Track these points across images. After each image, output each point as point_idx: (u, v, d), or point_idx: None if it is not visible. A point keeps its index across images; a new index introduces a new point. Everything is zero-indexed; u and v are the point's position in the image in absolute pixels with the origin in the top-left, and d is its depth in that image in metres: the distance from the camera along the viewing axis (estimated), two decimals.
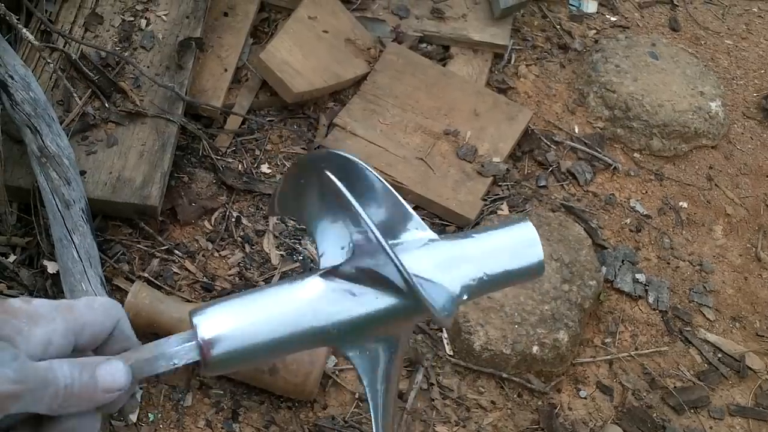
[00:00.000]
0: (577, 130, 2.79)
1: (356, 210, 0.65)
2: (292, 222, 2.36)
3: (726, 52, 3.18)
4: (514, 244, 0.72)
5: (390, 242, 0.66)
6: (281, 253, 2.30)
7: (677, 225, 2.66)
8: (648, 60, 2.90)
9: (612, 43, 2.97)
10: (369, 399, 0.70)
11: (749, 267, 2.63)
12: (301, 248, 2.31)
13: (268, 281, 2.24)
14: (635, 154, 2.78)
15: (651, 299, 2.47)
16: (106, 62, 2.35)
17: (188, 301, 2.14)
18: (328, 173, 0.67)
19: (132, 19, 2.46)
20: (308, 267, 2.29)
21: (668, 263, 2.57)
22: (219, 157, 2.42)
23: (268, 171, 2.46)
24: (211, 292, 2.19)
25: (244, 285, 2.21)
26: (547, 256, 2.34)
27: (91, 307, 0.62)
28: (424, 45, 2.84)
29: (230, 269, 2.25)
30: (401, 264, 0.63)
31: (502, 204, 2.52)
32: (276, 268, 2.27)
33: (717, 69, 3.10)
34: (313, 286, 0.68)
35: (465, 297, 0.70)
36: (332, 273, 0.69)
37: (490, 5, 2.92)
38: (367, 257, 0.67)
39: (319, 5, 2.73)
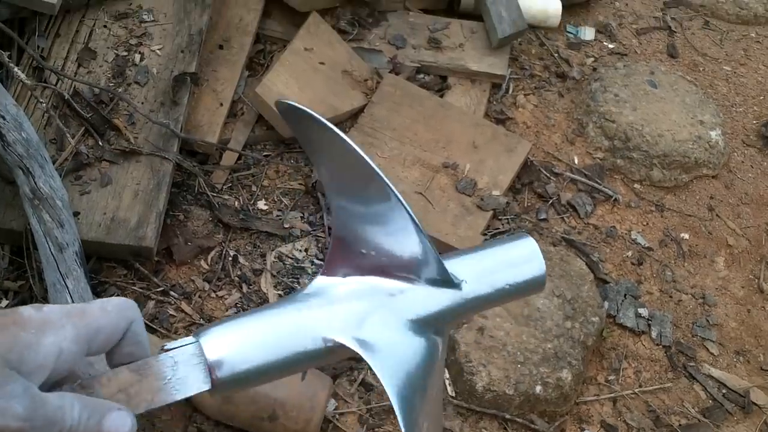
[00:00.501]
0: (576, 161, 2.76)
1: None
2: (290, 260, 2.32)
3: (725, 78, 3.16)
4: (515, 259, 0.72)
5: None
6: (279, 292, 2.26)
7: (679, 257, 2.63)
8: (647, 88, 2.88)
9: (611, 71, 2.94)
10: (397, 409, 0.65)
11: (752, 299, 2.60)
12: (299, 287, 2.27)
13: None
14: (636, 185, 2.75)
15: (654, 334, 2.43)
16: (100, 99, 2.31)
17: None
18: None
19: (126, 53, 2.42)
20: None
21: (671, 297, 2.53)
22: (215, 194, 2.39)
23: (265, 207, 2.42)
24: None
25: None
26: (548, 292, 2.31)
27: (105, 310, 0.61)
28: (422, 75, 2.81)
29: (227, 310, 2.20)
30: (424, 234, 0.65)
31: None
32: None
33: (716, 96, 3.08)
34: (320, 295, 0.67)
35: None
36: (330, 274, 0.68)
37: (487, 34, 2.89)
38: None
39: (315, 36, 2.69)
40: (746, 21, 3.38)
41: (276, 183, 2.48)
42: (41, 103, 2.19)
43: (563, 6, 3.11)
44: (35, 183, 2.02)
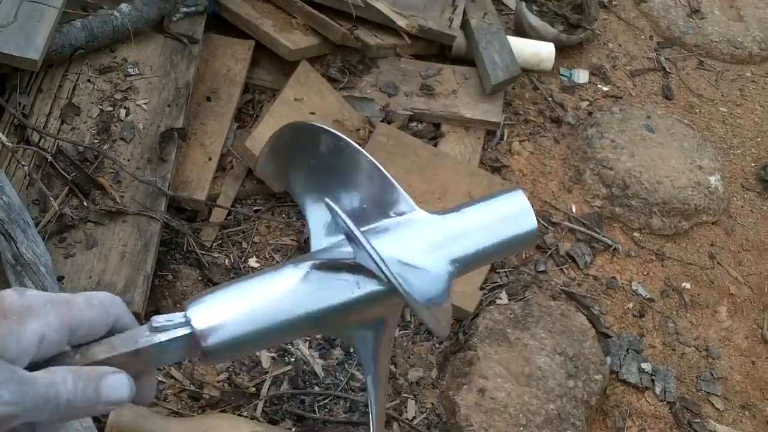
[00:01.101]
0: (574, 210, 2.70)
1: (331, 206, 0.67)
2: None
3: (721, 120, 3.12)
4: (506, 215, 0.74)
5: (374, 225, 0.72)
6: (272, 355, 2.18)
7: (681, 307, 2.56)
8: (644, 133, 2.83)
9: (606, 116, 2.89)
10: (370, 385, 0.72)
11: (756, 350, 2.54)
12: (293, 349, 2.19)
13: (259, 387, 2.12)
14: (635, 234, 2.69)
15: (658, 390, 2.36)
16: (84, 157, 2.24)
17: (175, 412, 2.02)
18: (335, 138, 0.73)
19: (111, 108, 2.34)
20: (301, 368, 2.17)
21: (674, 350, 2.47)
22: (204, 252, 2.31)
23: (257, 265, 2.34)
24: (199, 401, 2.06)
25: (233, 392, 2.09)
26: (550, 349, 2.24)
27: (90, 305, 0.61)
28: (415, 123, 2.75)
29: (219, 375, 2.12)
30: (379, 256, 0.64)
31: (501, 292, 2.42)
32: (267, 372, 2.15)
33: (713, 138, 3.03)
34: (301, 273, 0.69)
35: (454, 270, 0.71)
36: (320, 257, 0.71)
37: (480, 80, 2.83)
38: (350, 244, 0.68)
39: (305, 85, 2.63)
40: (741, 60, 3.34)
41: (267, 239, 2.40)
42: (23, 165, 2.11)
43: (556, 48, 3.06)
44: (17, 249, 1.94)
